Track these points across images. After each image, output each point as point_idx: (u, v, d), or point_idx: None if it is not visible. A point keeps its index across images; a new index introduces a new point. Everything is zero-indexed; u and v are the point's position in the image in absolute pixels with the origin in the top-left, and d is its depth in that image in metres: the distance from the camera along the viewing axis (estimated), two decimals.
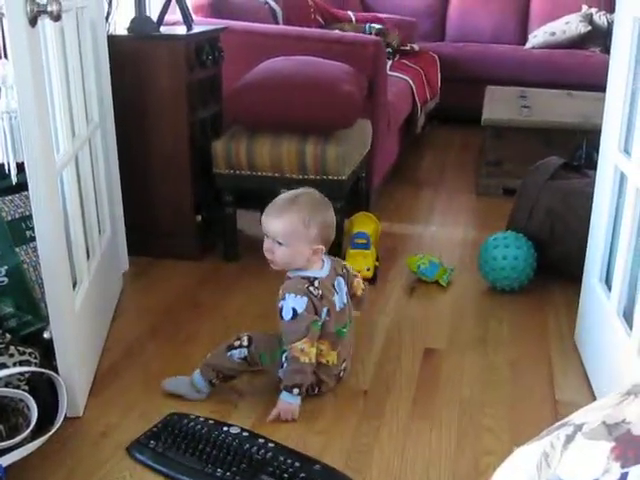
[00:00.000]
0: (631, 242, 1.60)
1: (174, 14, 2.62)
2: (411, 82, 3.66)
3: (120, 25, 2.58)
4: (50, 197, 1.48)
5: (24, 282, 1.79)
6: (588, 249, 1.94)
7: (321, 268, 1.69)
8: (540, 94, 4.02)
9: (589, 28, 4.95)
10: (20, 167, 1.67)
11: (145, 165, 2.45)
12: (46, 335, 1.67)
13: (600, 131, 1.86)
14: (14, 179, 1.74)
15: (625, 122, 1.69)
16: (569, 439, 0.81)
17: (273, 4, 3.48)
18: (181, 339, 1.99)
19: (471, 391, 1.77)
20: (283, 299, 1.63)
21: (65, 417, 1.51)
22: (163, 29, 2.48)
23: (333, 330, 1.68)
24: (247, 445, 1.47)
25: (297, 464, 1.42)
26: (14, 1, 1.33)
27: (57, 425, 1.48)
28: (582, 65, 4.61)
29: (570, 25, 4.98)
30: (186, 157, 2.42)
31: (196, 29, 2.51)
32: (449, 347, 1.98)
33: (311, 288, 1.63)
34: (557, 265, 2.36)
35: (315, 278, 1.66)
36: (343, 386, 1.76)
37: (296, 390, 1.61)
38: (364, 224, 2.51)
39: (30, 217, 1.58)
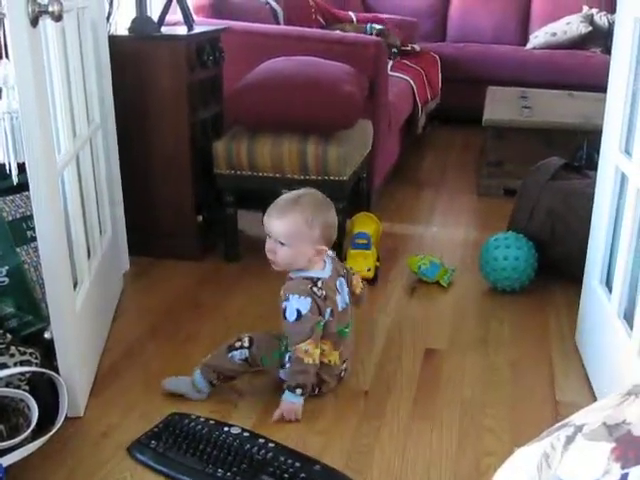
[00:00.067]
0: (632, 243, 1.60)
1: (175, 14, 2.62)
2: (412, 82, 3.66)
3: (121, 25, 2.57)
4: (51, 197, 1.48)
5: (25, 282, 1.79)
6: (589, 250, 1.94)
7: (323, 268, 1.69)
8: (541, 94, 4.02)
9: (590, 29, 4.95)
10: (21, 167, 1.67)
11: (146, 165, 2.45)
12: (47, 335, 1.67)
13: (601, 132, 1.86)
14: (15, 179, 1.74)
15: (626, 123, 1.69)
16: (569, 440, 0.81)
17: (274, 4, 3.48)
18: (182, 339, 1.99)
19: (472, 391, 1.77)
20: (287, 300, 1.62)
21: (66, 417, 1.51)
22: (164, 29, 2.48)
23: (335, 330, 1.68)
24: (248, 445, 1.47)
25: (297, 464, 1.42)
26: (15, 1, 1.33)
27: (58, 425, 1.48)
28: (583, 66, 4.61)
29: (571, 25, 4.98)
30: (187, 157, 2.42)
31: (197, 29, 2.51)
32: (450, 347, 1.98)
33: (315, 289, 1.63)
34: (558, 266, 2.36)
35: (318, 278, 1.65)
36: (344, 386, 1.76)
37: (299, 390, 1.61)
38: (365, 224, 2.51)
39: (31, 217, 1.58)
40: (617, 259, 1.67)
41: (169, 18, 2.57)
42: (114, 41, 2.26)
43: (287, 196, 1.69)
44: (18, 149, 1.68)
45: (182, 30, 2.50)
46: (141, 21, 2.41)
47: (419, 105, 3.71)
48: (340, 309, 1.69)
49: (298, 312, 1.60)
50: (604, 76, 1.84)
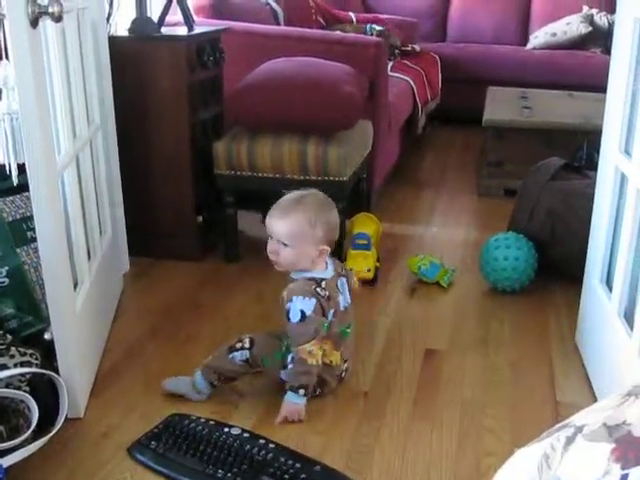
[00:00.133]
0: (632, 243, 1.60)
1: (175, 15, 2.62)
2: (412, 83, 3.66)
3: (121, 26, 2.57)
4: (51, 198, 1.48)
5: (25, 283, 1.79)
6: (589, 250, 1.94)
7: (325, 269, 1.69)
8: (541, 95, 4.02)
9: (590, 29, 4.95)
10: (21, 168, 1.67)
11: (146, 166, 2.45)
12: (47, 336, 1.67)
13: (601, 132, 1.86)
14: (15, 180, 1.74)
15: (626, 123, 1.69)
16: (569, 441, 0.81)
17: (274, 5, 3.48)
18: (182, 340, 1.99)
19: (472, 392, 1.76)
20: (290, 301, 1.61)
21: (66, 418, 1.51)
22: (164, 30, 2.48)
23: (337, 330, 1.68)
24: (248, 446, 1.47)
25: (298, 465, 1.42)
26: (15, 2, 1.33)
27: (58, 426, 1.48)
28: (583, 66, 4.61)
29: (571, 26, 4.99)
30: (187, 158, 2.42)
31: (197, 30, 2.51)
32: (450, 348, 1.98)
33: (318, 289, 1.62)
34: (558, 266, 2.36)
35: (322, 279, 1.65)
36: (344, 387, 1.76)
37: (302, 391, 1.61)
38: (365, 225, 2.51)
39: (31, 218, 1.58)
40: (617, 259, 1.67)
41: (169, 19, 2.57)
42: (114, 42, 2.26)
43: (289, 197, 1.69)
44: (18, 150, 1.68)
45: (182, 31, 2.50)
46: (141, 22, 2.41)
47: (419, 105, 3.71)
48: (342, 309, 1.69)
49: (302, 313, 1.59)
50: (604, 76, 1.84)
